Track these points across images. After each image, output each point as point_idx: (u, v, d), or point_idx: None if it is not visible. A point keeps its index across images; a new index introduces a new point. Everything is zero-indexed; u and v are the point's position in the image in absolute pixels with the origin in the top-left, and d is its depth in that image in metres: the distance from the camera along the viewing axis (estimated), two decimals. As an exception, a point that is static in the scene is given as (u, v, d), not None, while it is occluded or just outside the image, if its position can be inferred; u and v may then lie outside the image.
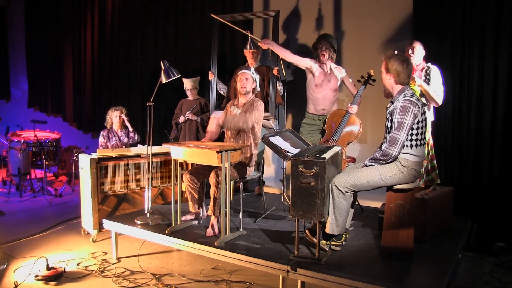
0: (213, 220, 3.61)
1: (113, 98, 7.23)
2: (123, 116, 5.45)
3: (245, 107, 3.99)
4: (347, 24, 5.16)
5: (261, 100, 4.04)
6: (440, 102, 3.93)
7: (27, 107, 9.15)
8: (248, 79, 3.98)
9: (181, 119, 5.36)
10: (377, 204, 4.47)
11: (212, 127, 4.20)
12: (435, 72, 3.95)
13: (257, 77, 4.04)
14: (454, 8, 4.30)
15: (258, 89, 4.10)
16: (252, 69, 4.08)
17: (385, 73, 3.09)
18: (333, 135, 4.15)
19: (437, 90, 3.90)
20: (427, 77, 3.94)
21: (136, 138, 5.52)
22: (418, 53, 3.98)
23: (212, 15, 5.06)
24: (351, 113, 4.16)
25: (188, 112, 5.31)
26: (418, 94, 3.83)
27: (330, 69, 4.43)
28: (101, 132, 5.48)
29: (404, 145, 2.96)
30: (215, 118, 4.29)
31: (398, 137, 2.93)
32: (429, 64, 3.99)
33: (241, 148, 3.64)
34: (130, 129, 5.50)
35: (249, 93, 4.02)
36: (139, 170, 4.60)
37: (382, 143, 3.06)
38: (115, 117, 5.46)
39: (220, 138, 4.27)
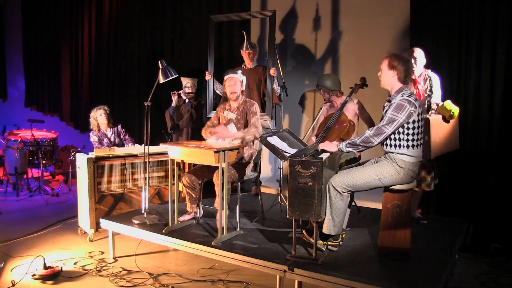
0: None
1: (110, 98, 7.22)
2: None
3: (240, 111, 4.00)
4: (345, 24, 5.17)
5: (252, 100, 4.06)
6: None
7: (24, 106, 9.12)
8: (236, 83, 3.99)
9: (174, 100, 5.38)
10: (373, 205, 4.49)
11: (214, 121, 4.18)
12: (436, 80, 3.86)
13: (243, 78, 4.07)
14: (451, 9, 4.31)
15: (244, 87, 4.09)
16: (239, 72, 4.09)
17: (388, 70, 3.05)
18: (322, 131, 4.20)
19: (437, 99, 3.82)
20: (430, 85, 3.85)
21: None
22: (420, 62, 3.81)
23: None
24: (342, 112, 4.19)
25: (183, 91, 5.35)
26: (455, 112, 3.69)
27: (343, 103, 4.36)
28: (91, 134, 5.30)
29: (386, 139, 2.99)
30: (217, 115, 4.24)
31: (386, 130, 2.95)
32: (429, 72, 3.87)
33: (238, 148, 3.64)
34: (122, 132, 5.39)
35: (240, 96, 4.05)
36: (136, 170, 4.59)
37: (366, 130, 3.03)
38: (99, 115, 5.27)
39: None
